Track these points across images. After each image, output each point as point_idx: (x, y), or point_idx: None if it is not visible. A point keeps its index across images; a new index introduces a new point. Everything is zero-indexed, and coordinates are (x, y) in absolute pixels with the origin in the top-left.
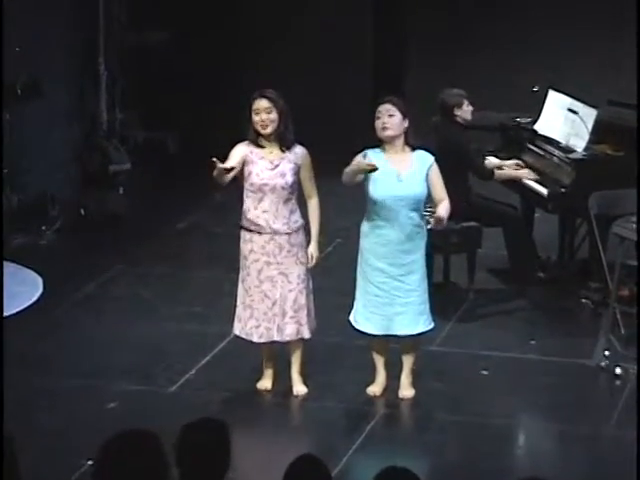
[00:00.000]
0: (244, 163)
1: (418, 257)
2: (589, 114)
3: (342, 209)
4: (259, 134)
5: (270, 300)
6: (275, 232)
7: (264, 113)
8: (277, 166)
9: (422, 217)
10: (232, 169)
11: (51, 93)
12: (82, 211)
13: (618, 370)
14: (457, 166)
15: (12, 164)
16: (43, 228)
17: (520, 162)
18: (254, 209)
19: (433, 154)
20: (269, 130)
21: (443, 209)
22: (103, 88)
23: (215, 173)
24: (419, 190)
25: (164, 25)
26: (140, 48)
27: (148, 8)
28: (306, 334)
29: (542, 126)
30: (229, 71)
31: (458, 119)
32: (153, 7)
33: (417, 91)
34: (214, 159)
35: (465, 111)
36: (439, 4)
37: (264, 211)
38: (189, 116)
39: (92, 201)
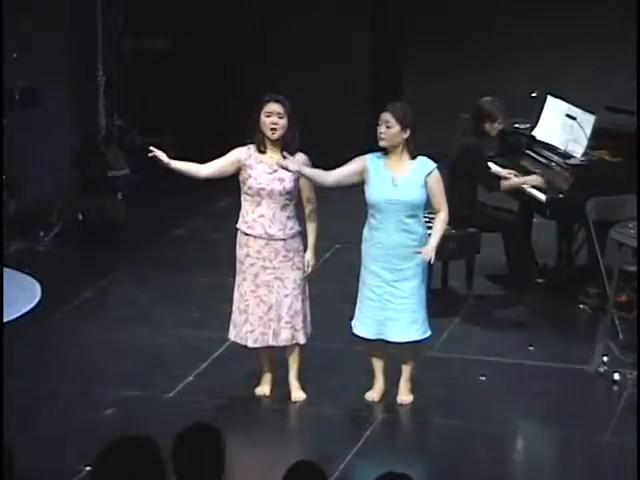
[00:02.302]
0: (242, 167)
1: (414, 265)
2: (587, 120)
3: (341, 215)
4: (264, 137)
5: (266, 305)
6: (270, 237)
7: (276, 117)
8: (276, 171)
9: (422, 225)
10: (163, 161)
11: (49, 99)
12: (80, 217)
13: (616, 376)
14: (467, 171)
15: (10, 170)
16: (41, 234)
17: (514, 171)
18: (251, 213)
19: (435, 161)
20: (278, 134)
21: (431, 246)
22: (101, 94)
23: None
24: (415, 195)
25: (162, 31)
26: (138, 54)
27: (146, 14)
28: (301, 339)
29: (540, 132)
30: (227, 76)
31: (483, 129)
32: (151, 13)
33: (416, 95)
34: (151, 147)
35: (493, 127)
36: (439, 8)
37: (261, 215)
38: (187, 122)
39: (90, 207)
